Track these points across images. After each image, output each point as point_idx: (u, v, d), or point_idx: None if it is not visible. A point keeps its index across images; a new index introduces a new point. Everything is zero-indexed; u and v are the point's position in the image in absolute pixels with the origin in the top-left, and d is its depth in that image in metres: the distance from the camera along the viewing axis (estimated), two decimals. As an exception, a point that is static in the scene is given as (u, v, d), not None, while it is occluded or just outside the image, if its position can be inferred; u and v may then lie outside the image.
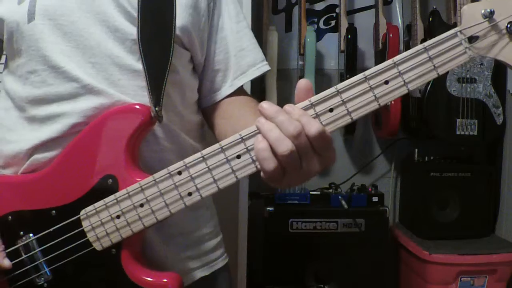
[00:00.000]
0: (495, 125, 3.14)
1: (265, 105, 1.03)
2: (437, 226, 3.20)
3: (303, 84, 1.06)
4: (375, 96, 1.03)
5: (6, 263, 1.29)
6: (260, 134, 1.03)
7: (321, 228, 3.13)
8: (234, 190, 2.52)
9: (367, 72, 1.03)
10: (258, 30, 3.26)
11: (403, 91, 1.03)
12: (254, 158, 1.07)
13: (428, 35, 3.19)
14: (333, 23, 3.61)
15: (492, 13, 1.00)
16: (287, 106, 1.03)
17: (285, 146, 0.99)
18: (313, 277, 3.14)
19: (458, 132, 3.12)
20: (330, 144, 1.03)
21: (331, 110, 1.04)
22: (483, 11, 1.00)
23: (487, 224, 3.29)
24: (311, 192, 3.22)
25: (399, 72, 1.02)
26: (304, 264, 3.14)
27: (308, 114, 1.02)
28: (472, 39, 1.02)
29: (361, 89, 1.03)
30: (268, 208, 3.11)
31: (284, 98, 3.34)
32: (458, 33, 1.02)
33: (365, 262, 3.10)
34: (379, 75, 1.03)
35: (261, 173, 1.05)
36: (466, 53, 1.02)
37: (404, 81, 1.02)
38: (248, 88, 1.99)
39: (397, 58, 1.02)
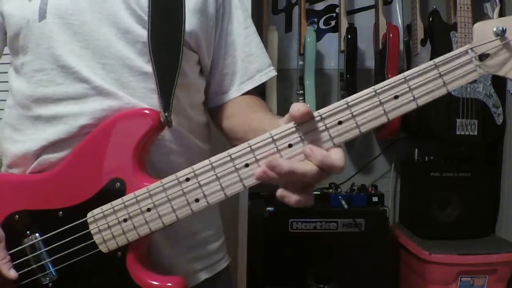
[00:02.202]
0: (495, 125, 3.15)
1: (276, 162, 1.03)
2: (437, 226, 3.19)
3: (300, 111, 1.04)
4: (384, 110, 1.03)
5: (12, 274, 1.29)
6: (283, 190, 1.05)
7: (321, 228, 3.13)
8: (235, 190, 2.52)
9: (377, 86, 1.03)
10: (258, 30, 3.25)
11: (412, 106, 1.03)
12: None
13: (428, 35, 3.19)
14: (333, 23, 3.62)
15: (504, 31, 1.00)
16: (308, 149, 1.04)
17: (297, 186, 1.04)
18: (313, 277, 3.14)
19: (458, 132, 3.11)
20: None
21: (340, 122, 1.05)
22: (495, 29, 1.00)
23: (487, 224, 3.29)
24: (311, 192, 3.21)
25: (409, 87, 1.02)
26: (304, 264, 3.14)
27: (327, 156, 1.04)
28: (483, 56, 1.02)
29: (370, 103, 1.03)
30: (268, 208, 3.10)
31: (284, 98, 3.34)
32: (469, 50, 1.02)
33: (365, 262, 3.10)
34: (389, 90, 1.03)
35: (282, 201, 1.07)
36: (476, 70, 1.02)
37: (413, 96, 1.03)
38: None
39: (407, 73, 1.03)
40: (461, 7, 3.04)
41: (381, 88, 1.03)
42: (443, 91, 1.03)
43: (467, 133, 3.12)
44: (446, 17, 3.30)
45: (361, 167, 3.63)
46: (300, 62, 3.37)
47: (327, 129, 1.05)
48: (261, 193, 3.18)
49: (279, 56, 3.36)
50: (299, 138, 1.06)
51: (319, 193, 3.25)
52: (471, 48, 1.02)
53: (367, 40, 3.49)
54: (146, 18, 1.30)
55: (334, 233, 3.14)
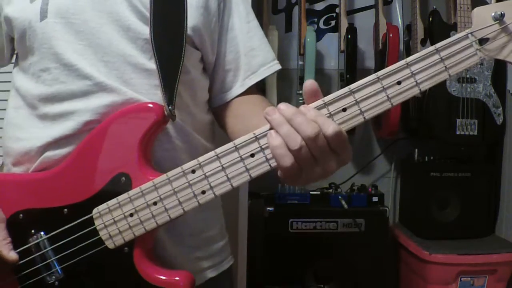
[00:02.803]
0: (495, 125, 3.15)
1: (282, 106, 1.04)
2: (437, 226, 3.20)
3: (308, 86, 1.06)
4: (387, 96, 1.04)
5: (13, 255, 1.28)
6: (273, 130, 1.04)
7: (321, 228, 3.14)
8: (234, 190, 2.51)
9: (379, 73, 1.04)
10: (258, 30, 3.26)
11: (415, 91, 1.04)
12: (268, 156, 1.08)
13: (428, 35, 3.20)
14: (333, 23, 3.63)
15: (502, 15, 1.02)
16: (303, 107, 1.04)
17: (295, 141, 1.00)
18: (313, 277, 3.14)
19: (458, 132, 3.12)
20: (347, 143, 1.04)
21: (344, 109, 1.05)
22: (493, 14, 1.02)
23: (487, 224, 3.29)
24: (311, 192, 3.23)
25: (412, 72, 1.03)
26: (304, 264, 3.15)
27: (324, 115, 1.03)
28: (482, 41, 1.03)
29: (374, 89, 1.04)
30: (268, 208, 3.12)
31: (284, 97, 3.34)
32: (469, 35, 1.04)
33: (365, 262, 3.12)
34: (392, 75, 1.04)
35: (278, 172, 1.06)
36: (477, 54, 1.04)
37: (416, 81, 1.03)
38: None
39: (409, 59, 1.04)
40: (461, 7, 3.05)
41: (384, 74, 1.04)
42: (445, 76, 1.04)
43: (467, 133, 3.12)
44: (446, 17, 3.31)
45: (361, 167, 3.63)
46: (300, 62, 3.39)
47: (331, 116, 1.05)
48: (261, 193, 3.19)
49: (279, 56, 3.32)
50: None
51: (319, 193, 3.26)
52: (471, 33, 1.04)
53: (367, 40, 3.50)
54: (147, 14, 1.30)
55: (334, 233, 3.15)
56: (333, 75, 3.56)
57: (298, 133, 1.01)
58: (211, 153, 1.12)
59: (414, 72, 1.03)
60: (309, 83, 1.06)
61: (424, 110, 3.14)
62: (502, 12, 1.01)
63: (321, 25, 3.63)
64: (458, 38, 1.04)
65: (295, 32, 3.54)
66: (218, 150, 1.12)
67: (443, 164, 3.31)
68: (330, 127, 1.00)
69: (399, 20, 3.57)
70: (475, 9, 1.04)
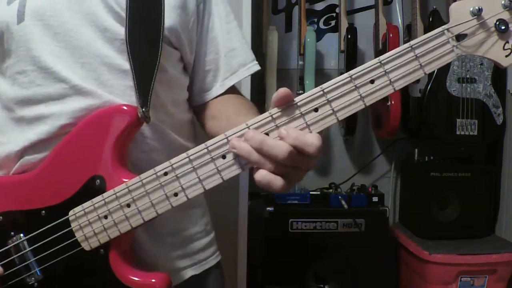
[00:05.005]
0: (495, 125, 3.14)
1: (250, 134, 1.03)
2: (437, 226, 3.19)
3: (281, 94, 1.05)
4: (360, 95, 1.02)
5: None
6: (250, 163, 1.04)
7: (321, 228, 3.12)
8: (234, 190, 2.51)
9: (352, 72, 1.02)
10: (258, 30, 3.25)
11: (389, 90, 1.02)
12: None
13: (428, 35, 3.18)
14: (333, 23, 3.61)
15: (480, 10, 1.00)
16: (282, 130, 1.03)
17: (269, 166, 1.01)
18: (313, 277, 3.13)
19: (458, 132, 3.11)
20: (320, 149, 1.02)
21: (316, 110, 1.03)
22: (471, 9, 1.01)
23: (487, 224, 3.28)
24: (311, 192, 3.22)
25: (385, 71, 1.01)
26: (304, 264, 3.13)
27: (299, 133, 1.02)
28: (460, 37, 1.01)
29: (346, 89, 1.02)
30: (268, 208, 3.10)
31: (284, 97, 3.33)
32: (445, 31, 1.02)
33: (365, 262, 3.10)
34: (365, 74, 1.02)
35: (256, 180, 1.05)
36: (454, 51, 1.02)
37: (390, 80, 1.01)
38: (248, 88, 1.96)
39: (383, 57, 1.02)
40: (461, 7, 3.03)
41: (357, 73, 1.02)
42: (420, 74, 1.01)
43: (467, 133, 3.11)
44: (446, 17, 3.27)
45: (361, 167, 3.62)
46: (300, 62, 3.37)
47: (302, 116, 1.03)
48: (261, 193, 3.18)
49: (279, 56, 3.35)
50: (275, 127, 1.05)
51: (319, 193, 3.26)
52: (447, 29, 1.02)
53: (367, 40, 3.47)
54: (124, 15, 1.30)
55: (334, 233, 3.13)
56: (333, 75, 3.52)
57: (270, 159, 1.01)
58: (183, 155, 1.11)
59: (387, 71, 1.01)
60: (283, 91, 1.05)
61: (424, 110, 3.13)
62: (480, 7, 1.00)
63: (321, 25, 3.61)
64: (434, 35, 1.02)
65: (295, 32, 3.52)
66: (190, 151, 1.10)
67: (443, 164, 3.30)
68: (310, 146, 1.00)
69: (399, 20, 3.54)
70: (453, 4, 1.03)
